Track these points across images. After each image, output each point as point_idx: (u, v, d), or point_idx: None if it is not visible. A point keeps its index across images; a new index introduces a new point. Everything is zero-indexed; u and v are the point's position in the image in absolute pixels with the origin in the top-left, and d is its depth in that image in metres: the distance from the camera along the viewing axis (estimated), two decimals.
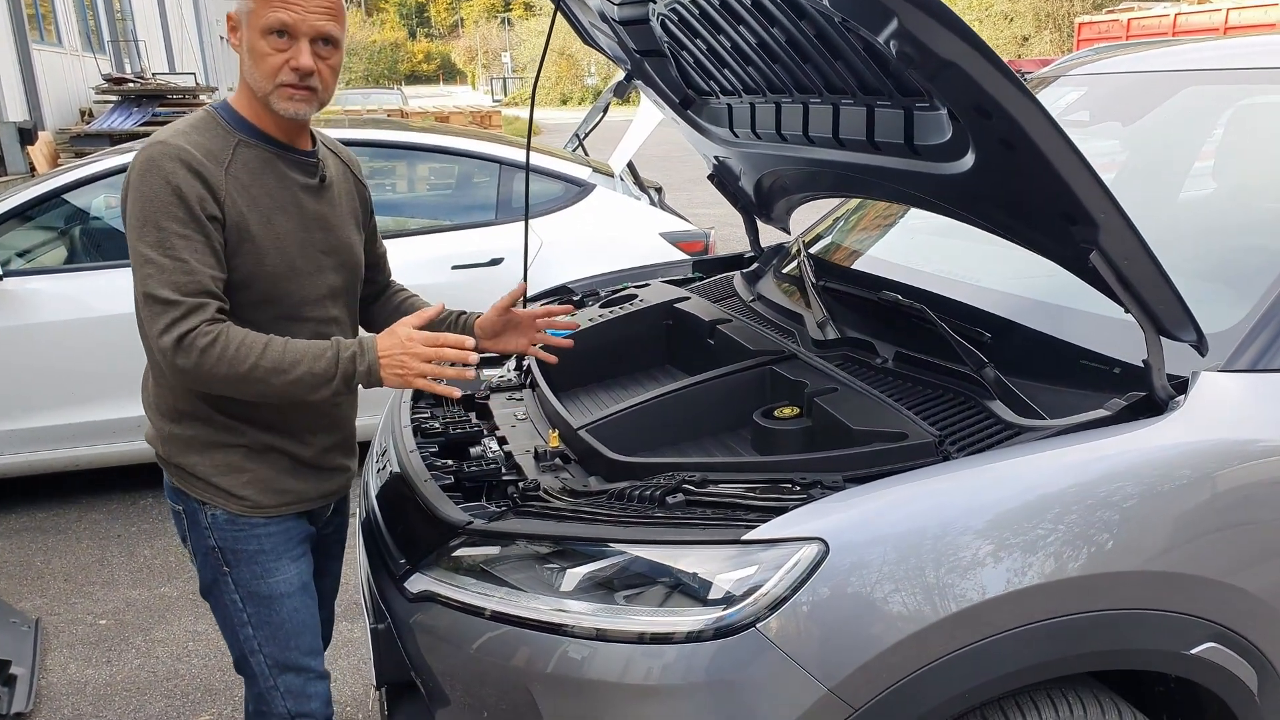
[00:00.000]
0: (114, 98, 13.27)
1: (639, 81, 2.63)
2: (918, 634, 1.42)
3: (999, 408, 1.75)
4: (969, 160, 1.65)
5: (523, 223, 3.49)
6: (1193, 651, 1.57)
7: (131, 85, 13.64)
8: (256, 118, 1.75)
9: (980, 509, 1.49)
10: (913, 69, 1.50)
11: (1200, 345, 1.61)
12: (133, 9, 18.64)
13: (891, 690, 1.42)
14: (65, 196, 4.25)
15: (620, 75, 2.68)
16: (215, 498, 1.79)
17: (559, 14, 2.45)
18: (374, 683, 1.86)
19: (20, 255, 4.14)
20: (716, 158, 2.75)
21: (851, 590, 1.43)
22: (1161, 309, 1.57)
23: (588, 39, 2.64)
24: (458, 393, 1.69)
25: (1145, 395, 1.62)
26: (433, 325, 2.08)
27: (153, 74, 16.38)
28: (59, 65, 14.64)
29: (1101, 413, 1.62)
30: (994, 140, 1.53)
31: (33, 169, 11.99)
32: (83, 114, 14.30)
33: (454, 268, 4.16)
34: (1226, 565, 1.59)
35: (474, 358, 1.70)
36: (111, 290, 4.02)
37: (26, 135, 12.47)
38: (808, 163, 2.28)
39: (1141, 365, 1.64)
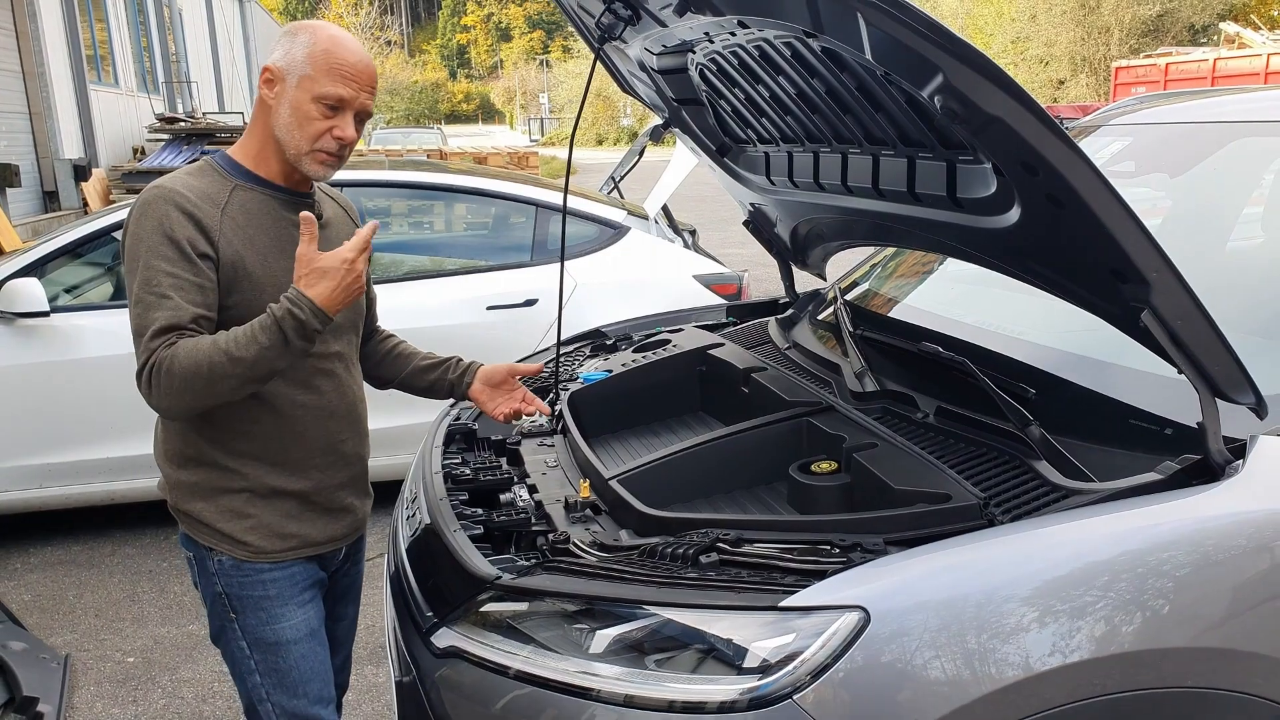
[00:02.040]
0: (165, 136, 13.59)
1: (676, 129, 2.63)
2: (960, 710, 1.36)
3: (1045, 468, 1.69)
4: (1014, 215, 1.61)
5: (558, 264, 3.49)
6: None
7: (182, 124, 13.95)
8: (259, 166, 1.78)
9: (1028, 578, 1.43)
10: (957, 124, 1.47)
11: (1259, 408, 1.55)
12: (187, 51, 19.17)
13: None
14: (114, 234, 4.34)
15: (657, 120, 2.68)
16: (221, 544, 1.79)
17: (598, 63, 2.45)
18: None
19: (68, 291, 4.21)
20: (752, 204, 2.73)
21: (892, 661, 1.37)
22: (1217, 370, 1.51)
23: (626, 87, 2.65)
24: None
25: (1200, 459, 1.56)
26: (432, 368, 2.13)
27: (203, 113, 16.77)
28: (115, 105, 15.05)
29: (1153, 476, 1.56)
30: (1040, 196, 1.49)
31: (86, 205, 12.28)
32: (135, 152, 14.65)
33: (489, 308, 4.16)
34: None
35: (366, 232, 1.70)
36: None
37: (81, 172, 12.80)
38: (845, 212, 2.25)
39: (1195, 427, 1.57)
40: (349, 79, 1.72)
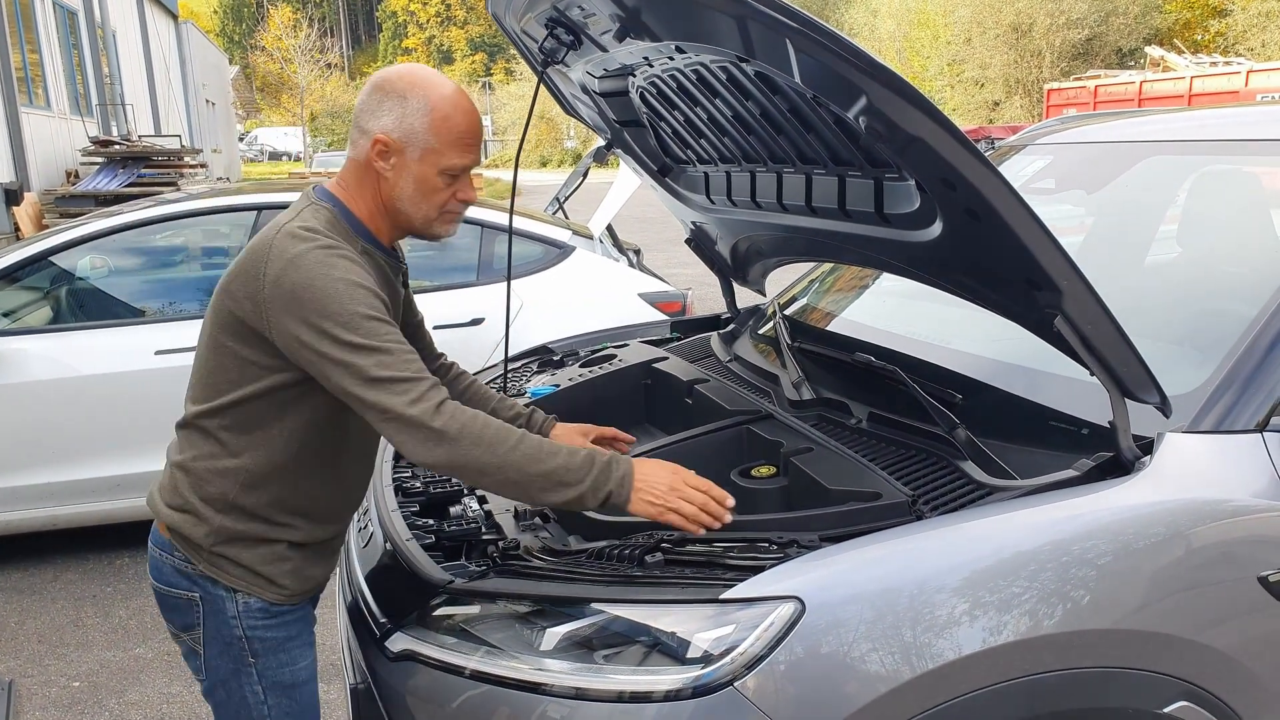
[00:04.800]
0: (100, 159, 13.35)
1: (618, 150, 2.71)
2: (893, 692, 1.44)
3: (970, 468, 1.79)
4: (937, 229, 1.71)
5: (504, 284, 3.54)
6: (1165, 710, 1.59)
7: (117, 147, 13.72)
8: (376, 227, 1.73)
9: (953, 568, 1.52)
10: (881, 143, 1.56)
11: (1164, 407, 1.67)
12: (121, 73, 18.84)
13: None
14: (51, 259, 4.29)
15: (600, 141, 2.76)
16: (253, 585, 1.71)
17: (542, 85, 2.53)
18: None
19: (5, 315, 4.15)
20: (694, 223, 2.82)
21: (827, 649, 1.45)
22: (1125, 371, 1.62)
23: (569, 109, 2.72)
24: (701, 532, 1.61)
25: (1112, 456, 1.66)
26: (509, 420, 2.06)
27: (139, 136, 16.50)
28: (47, 128, 14.74)
29: (1070, 473, 1.66)
30: (959, 210, 1.59)
31: (17, 230, 12.00)
32: (69, 175, 14.36)
33: (435, 328, 4.16)
34: (1195, 623, 1.62)
35: (728, 517, 1.63)
36: (94, 350, 4.04)
37: (12, 196, 12.50)
38: (782, 229, 2.34)
39: (1108, 426, 1.68)
40: (472, 146, 1.69)
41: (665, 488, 1.61)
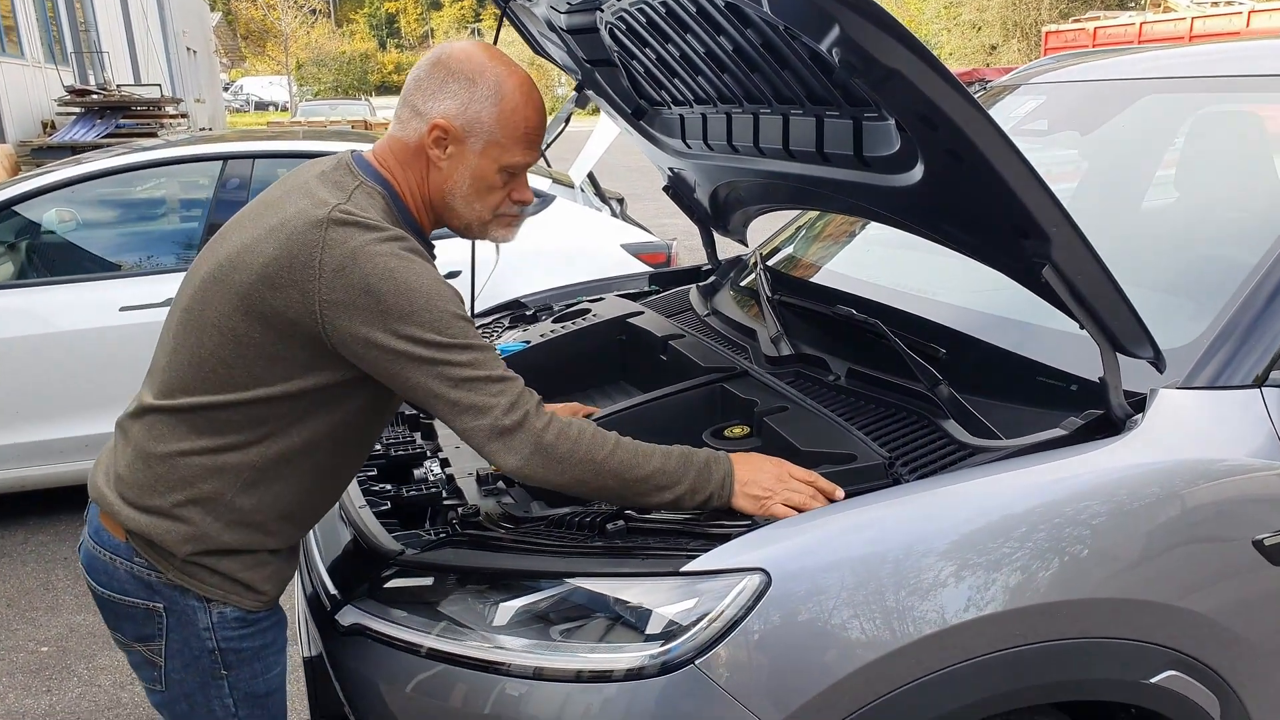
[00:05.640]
0: (77, 110, 13.05)
1: (591, 91, 2.57)
2: (864, 668, 1.36)
3: (953, 427, 1.69)
4: (918, 172, 1.59)
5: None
6: (1153, 680, 1.52)
7: (95, 97, 13.42)
8: (421, 217, 1.56)
9: (930, 535, 1.43)
10: (857, 77, 1.44)
11: (1157, 362, 1.57)
12: (97, 20, 18.39)
13: None
14: (16, 209, 4.15)
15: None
16: (231, 594, 1.52)
17: (505, 22, 2.39)
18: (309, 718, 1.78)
19: None
20: (671, 169, 2.69)
21: (796, 622, 1.36)
22: (1116, 324, 1.52)
23: (538, 49, 2.58)
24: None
25: (1102, 414, 1.57)
26: None
27: (117, 86, 16.13)
28: (20, 77, 14.39)
29: (1057, 432, 1.57)
30: (941, 151, 1.47)
31: None
32: (45, 126, 14.07)
33: None
34: (1184, 589, 1.54)
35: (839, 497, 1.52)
36: (63, 306, 3.92)
37: None
38: (761, 174, 2.23)
39: (1098, 382, 1.59)
40: (537, 143, 1.54)
41: (769, 483, 1.50)
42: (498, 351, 1.44)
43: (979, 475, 1.51)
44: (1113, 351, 1.56)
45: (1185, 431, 1.57)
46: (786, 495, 1.48)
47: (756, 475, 1.51)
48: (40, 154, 11.78)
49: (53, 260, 4.38)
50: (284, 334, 1.43)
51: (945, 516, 1.46)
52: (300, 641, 1.88)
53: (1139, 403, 1.59)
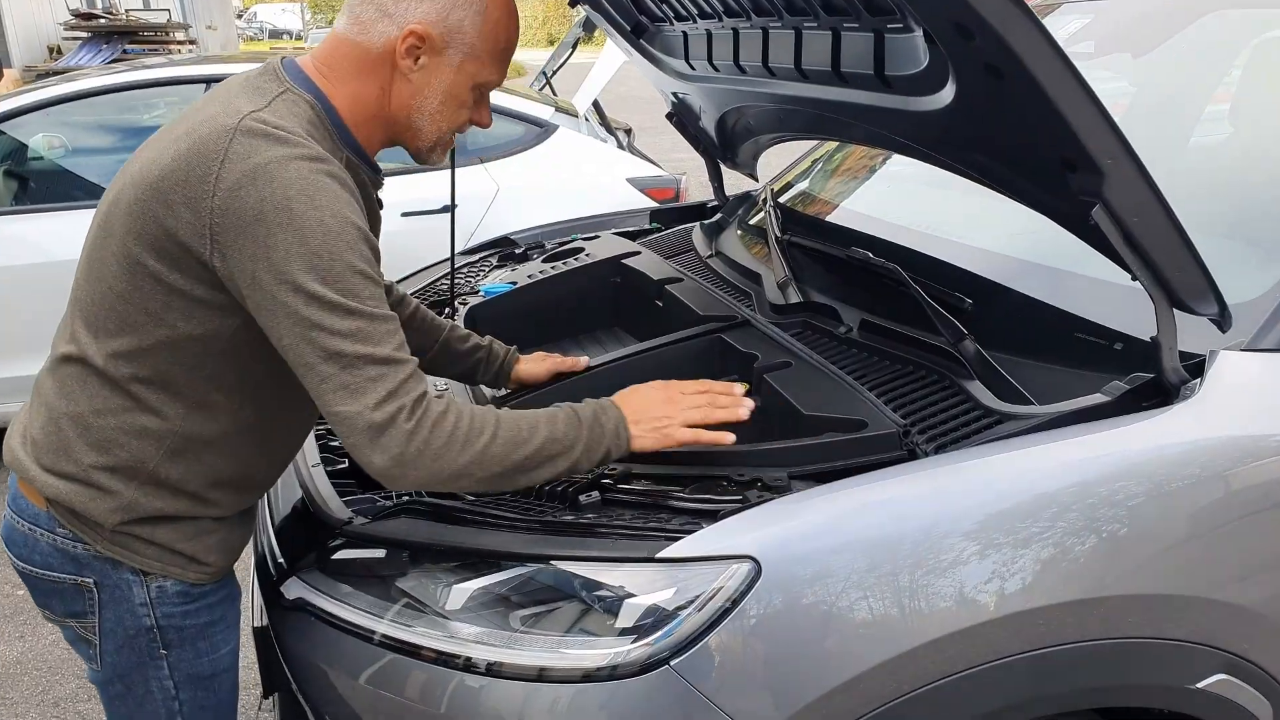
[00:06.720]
0: (82, 34, 12.76)
1: (587, 6, 2.33)
2: (870, 671, 1.17)
3: (978, 389, 1.48)
4: (949, 93, 1.36)
5: (478, 165, 3.14)
6: (1200, 685, 1.33)
7: (101, 21, 13.12)
8: (365, 135, 1.36)
9: (951, 518, 1.23)
10: None
11: (1221, 319, 1.35)
12: None
13: None
14: (3, 129, 3.98)
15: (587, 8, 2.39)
16: (171, 566, 1.36)
17: None
18: (261, 690, 1.62)
19: None
20: (675, 94, 2.46)
21: (790, 618, 1.18)
22: (1177, 276, 1.30)
23: None
24: (731, 437, 1.36)
25: (1153, 378, 1.36)
26: (465, 356, 1.77)
27: (124, 10, 15.76)
28: (25, 0, 14.09)
29: (1099, 399, 1.36)
30: (978, 67, 1.24)
31: None
32: (51, 51, 13.79)
33: (404, 214, 3.86)
34: (1241, 584, 1.34)
35: (748, 405, 1.42)
36: (50, 234, 3.74)
37: None
38: (771, 99, 1.99)
39: (1148, 341, 1.37)
40: (508, 61, 1.39)
41: (661, 411, 1.36)
42: (397, 326, 1.24)
43: (1006, 450, 1.31)
44: (1169, 307, 1.34)
45: (1250, 401, 1.36)
46: (685, 416, 1.36)
47: (646, 407, 1.37)
48: (46, 79, 11.57)
49: (44, 187, 4.21)
50: (175, 262, 1.23)
51: (966, 498, 1.26)
52: (250, 608, 1.72)
53: (1196, 367, 1.37)
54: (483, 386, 1.82)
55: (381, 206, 1.48)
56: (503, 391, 1.81)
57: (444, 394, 1.28)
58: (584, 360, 1.79)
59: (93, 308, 1.29)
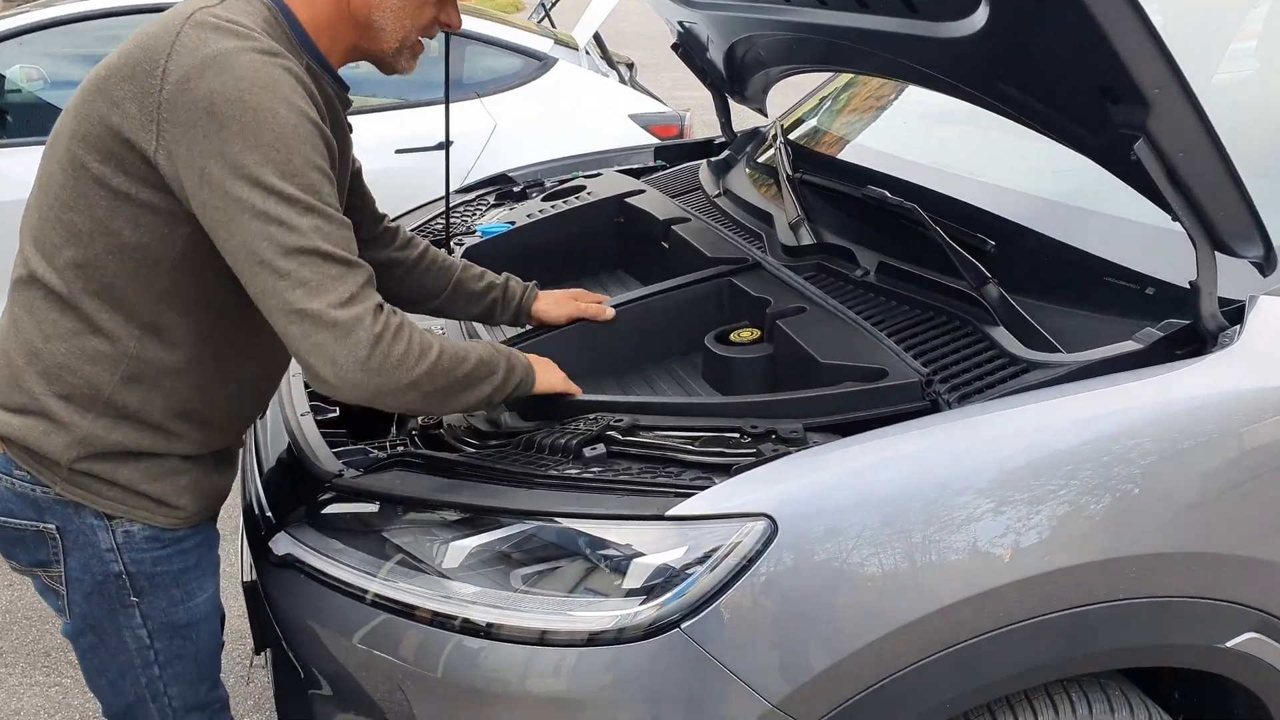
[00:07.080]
0: None
1: None
2: (891, 634, 1.12)
3: (1003, 336, 1.41)
4: (981, 17, 1.27)
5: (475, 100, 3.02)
6: (1229, 644, 1.27)
7: None
8: (326, 43, 1.30)
9: (975, 472, 1.17)
10: None
11: (1265, 262, 1.27)
12: None
13: (855, 701, 1.13)
14: None
15: None
16: (137, 509, 1.30)
17: None
18: (253, 646, 1.57)
19: None
20: (682, 24, 2.34)
21: (808, 577, 1.12)
22: (1222, 216, 1.22)
23: None
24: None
25: (1189, 325, 1.28)
26: (480, 296, 1.70)
27: None
28: None
29: (1130, 346, 1.29)
30: None
31: None
32: None
33: (398, 151, 3.75)
34: (1274, 541, 1.28)
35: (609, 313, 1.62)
36: (25, 170, 3.63)
37: None
38: (784, 26, 1.89)
39: (1183, 286, 1.30)
40: None
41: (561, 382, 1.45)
42: (353, 234, 1.19)
43: (1032, 400, 1.24)
44: (1211, 250, 1.26)
45: None
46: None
47: (549, 372, 1.44)
48: (23, 4, 11.29)
49: (22, 120, 4.08)
50: (121, 162, 1.17)
51: (982, 456, 1.20)
52: (239, 564, 1.67)
53: (1235, 313, 1.30)
54: (503, 327, 1.76)
55: (351, 130, 1.42)
56: (515, 331, 1.74)
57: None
58: (610, 311, 1.70)
59: (41, 223, 1.24)
